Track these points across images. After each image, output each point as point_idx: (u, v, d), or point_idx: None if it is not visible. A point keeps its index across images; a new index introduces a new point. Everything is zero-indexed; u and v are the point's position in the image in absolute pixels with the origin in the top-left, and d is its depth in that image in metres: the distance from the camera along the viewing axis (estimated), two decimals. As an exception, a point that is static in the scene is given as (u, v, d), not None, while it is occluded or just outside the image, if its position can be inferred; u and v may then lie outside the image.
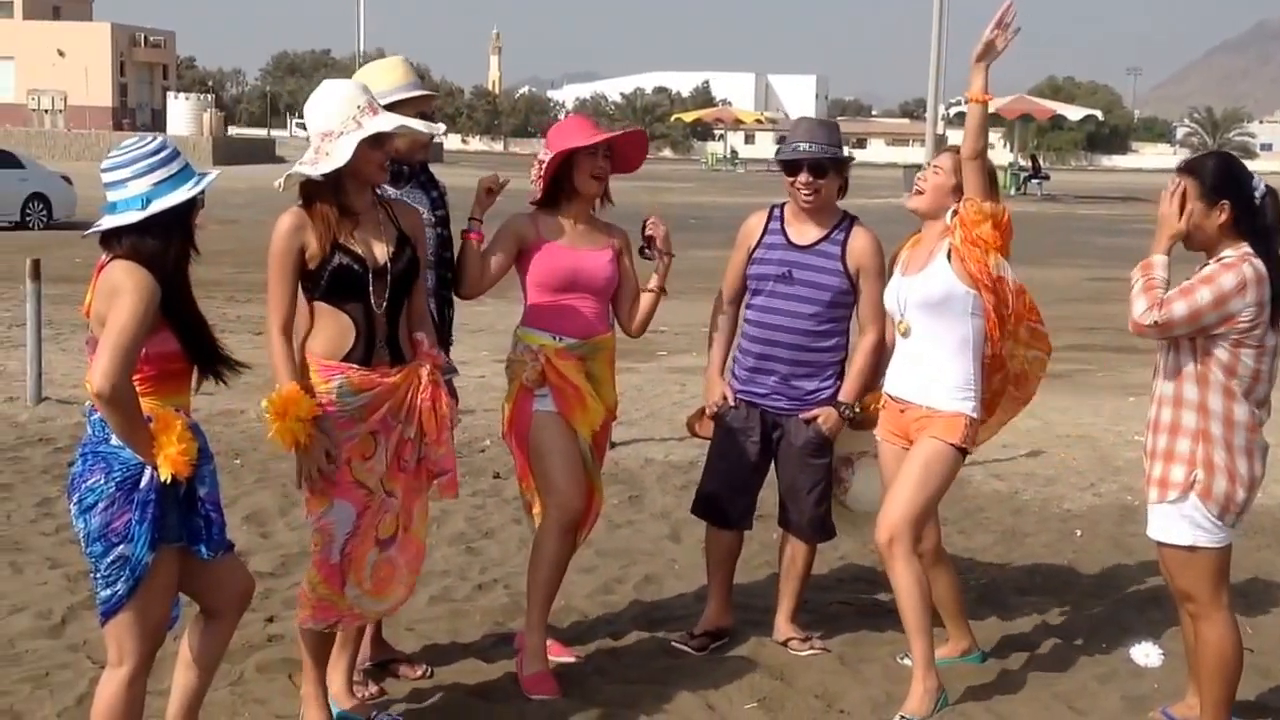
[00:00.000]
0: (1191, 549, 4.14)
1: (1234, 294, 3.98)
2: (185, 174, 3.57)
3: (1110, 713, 4.67)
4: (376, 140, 4.03)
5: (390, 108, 4.43)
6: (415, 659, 4.94)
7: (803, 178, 4.91)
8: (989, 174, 4.66)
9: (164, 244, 3.51)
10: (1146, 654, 5.14)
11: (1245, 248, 4.07)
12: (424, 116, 4.56)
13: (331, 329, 4.08)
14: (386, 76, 4.62)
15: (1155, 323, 3.98)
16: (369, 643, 4.78)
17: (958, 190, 4.63)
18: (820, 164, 4.90)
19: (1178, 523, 4.12)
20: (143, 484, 3.47)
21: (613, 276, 4.83)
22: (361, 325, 4.09)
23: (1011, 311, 4.64)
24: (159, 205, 3.50)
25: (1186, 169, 4.21)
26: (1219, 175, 4.13)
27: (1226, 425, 4.06)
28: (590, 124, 4.90)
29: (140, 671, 3.62)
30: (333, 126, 4.01)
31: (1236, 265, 4.02)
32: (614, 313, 4.91)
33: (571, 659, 4.97)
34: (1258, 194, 4.11)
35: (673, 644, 5.18)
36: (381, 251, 4.12)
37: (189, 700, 3.87)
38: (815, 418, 4.99)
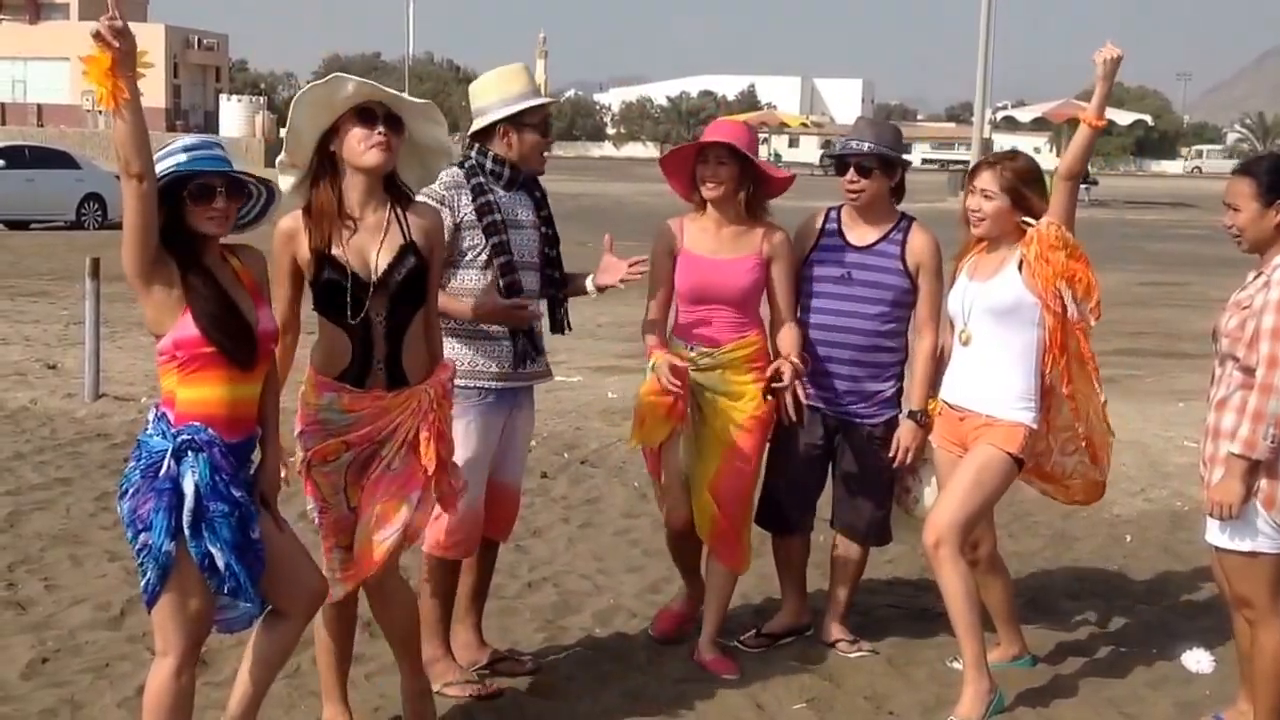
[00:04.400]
0: (1252, 555, 4.11)
1: None
2: (187, 164, 3.58)
3: (1162, 718, 4.65)
4: (363, 116, 3.86)
5: (517, 118, 4.48)
6: (518, 653, 5.02)
7: (849, 175, 4.92)
8: (1040, 180, 4.66)
9: (177, 240, 3.57)
10: (1198, 660, 5.12)
11: None
12: (543, 123, 4.58)
13: (328, 343, 3.97)
14: (513, 85, 4.56)
15: None
16: (471, 648, 4.84)
17: (1016, 205, 4.61)
18: (864, 163, 4.90)
19: (1238, 528, 4.10)
20: (161, 472, 3.53)
21: (752, 285, 4.82)
22: (359, 342, 3.93)
23: (1065, 342, 4.62)
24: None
25: (1243, 170, 4.24)
26: (1276, 175, 4.13)
27: None
28: (721, 126, 4.89)
29: (186, 662, 3.65)
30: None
31: None
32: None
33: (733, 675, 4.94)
34: None
35: (736, 643, 5.19)
36: (367, 263, 3.91)
37: (250, 695, 3.91)
38: (897, 439, 4.92)
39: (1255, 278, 4.16)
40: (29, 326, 13.04)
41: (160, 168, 3.55)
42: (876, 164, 4.91)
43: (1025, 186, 4.61)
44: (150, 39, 71.19)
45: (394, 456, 3.97)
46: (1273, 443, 3.96)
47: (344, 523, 4.03)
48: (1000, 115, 47.81)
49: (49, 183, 24.59)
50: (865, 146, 4.90)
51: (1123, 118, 50.31)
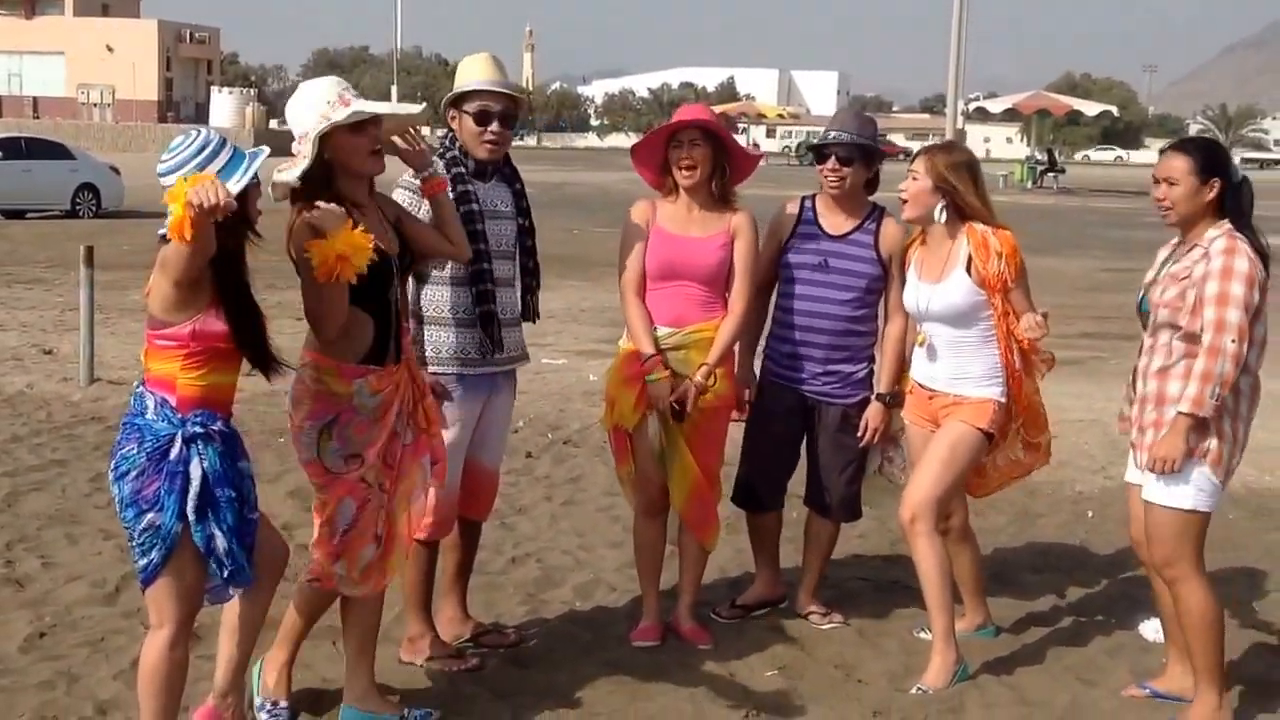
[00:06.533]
0: (1191, 512, 4.26)
1: (1255, 271, 4.15)
2: (234, 162, 3.57)
3: (1118, 684, 4.78)
4: (356, 127, 3.91)
5: (458, 102, 4.54)
6: (502, 626, 5.15)
7: (830, 164, 5.03)
8: (974, 175, 4.78)
9: (221, 233, 3.52)
10: (1155, 629, 5.20)
11: (1226, 224, 4.25)
12: (479, 112, 4.56)
13: (350, 329, 3.96)
14: (470, 71, 4.61)
15: (1234, 340, 4.09)
16: (456, 622, 4.96)
17: (938, 189, 4.74)
18: (847, 153, 5.03)
19: (1182, 487, 4.23)
20: (172, 455, 3.60)
21: (720, 263, 4.89)
22: (379, 322, 4.02)
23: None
24: None
25: (1178, 147, 4.39)
26: (1212, 154, 4.32)
27: (1234, 394, 4.19)
28: (687, 109, 4.98)
29: (180, 634, 3.74)
30: (306, 127, 3.92)
31: (1234, 247, 4.17)
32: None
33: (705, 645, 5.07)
34: (1235, 179, 4.30)
35: (712, 614, 5.34)
36: (391, 245, 4.05)
37: (235, 665, 4.02)
38: (865, 420, 5.09)
39: (1189, 250, 4.29)
40: (25, 313, 13.13)
41: (246, 178, 3.58)
42: (858, 155, 5.03)
43: (952, 173, 4.73)
44: (143, 34, 71.39)
45: (404, 429, 4.13)
46: (1217, 401, 4.13)
47: (380, 504, 4.08)
48: (973, 106, 48.00)
49: (45, 173, 24.64)
50: (847, 137, 5.02)
51: (1089, 109, 50.69)
